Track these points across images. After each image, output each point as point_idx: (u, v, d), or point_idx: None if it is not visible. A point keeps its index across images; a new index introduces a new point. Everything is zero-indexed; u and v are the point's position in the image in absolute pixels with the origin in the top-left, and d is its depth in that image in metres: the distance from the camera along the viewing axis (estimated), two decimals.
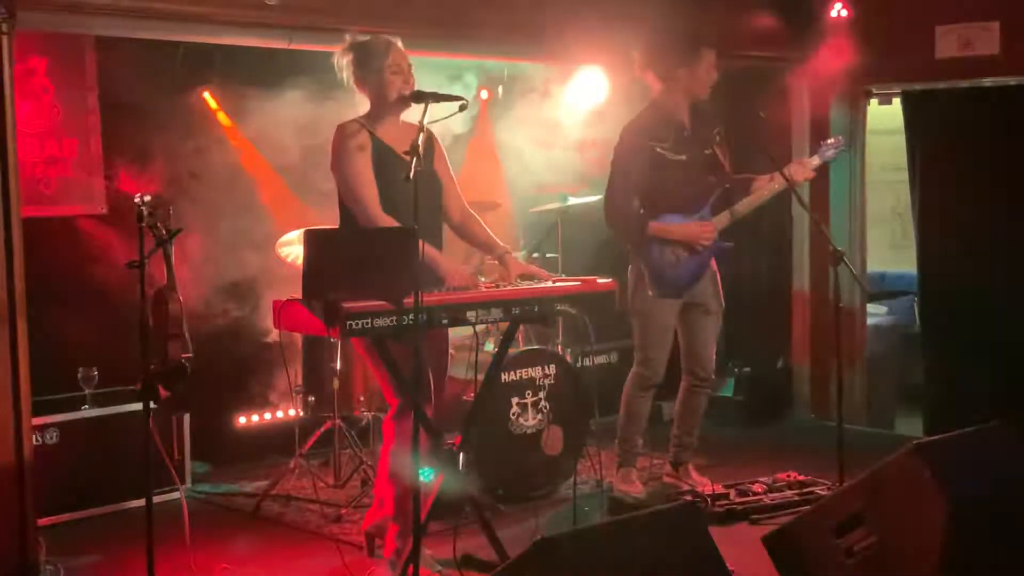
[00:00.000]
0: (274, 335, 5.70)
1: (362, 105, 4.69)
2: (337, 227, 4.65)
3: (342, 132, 4.55)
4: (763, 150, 5.56)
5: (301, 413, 6.01)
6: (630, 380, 5.72)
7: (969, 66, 6.92)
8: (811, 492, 5.53)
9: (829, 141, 5.78)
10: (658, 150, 5.47)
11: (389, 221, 4.40)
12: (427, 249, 4.22)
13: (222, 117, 6.31)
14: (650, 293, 5.53)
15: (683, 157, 5.51)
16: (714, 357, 5.81)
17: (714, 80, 5.53)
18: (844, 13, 7.23)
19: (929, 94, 7.17)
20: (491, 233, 4.82)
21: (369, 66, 4.55)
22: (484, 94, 7.35)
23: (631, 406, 5.70)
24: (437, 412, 4.72)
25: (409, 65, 4.58)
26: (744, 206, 5.61)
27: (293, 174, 6.23)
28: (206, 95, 6.23)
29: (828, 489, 5.50)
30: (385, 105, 4.59)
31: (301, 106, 6.09)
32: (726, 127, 5.73)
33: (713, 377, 5.86)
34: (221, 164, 6.09)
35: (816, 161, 5.74)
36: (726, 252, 5.66)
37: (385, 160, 4.50)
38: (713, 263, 5.70)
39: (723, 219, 5.59)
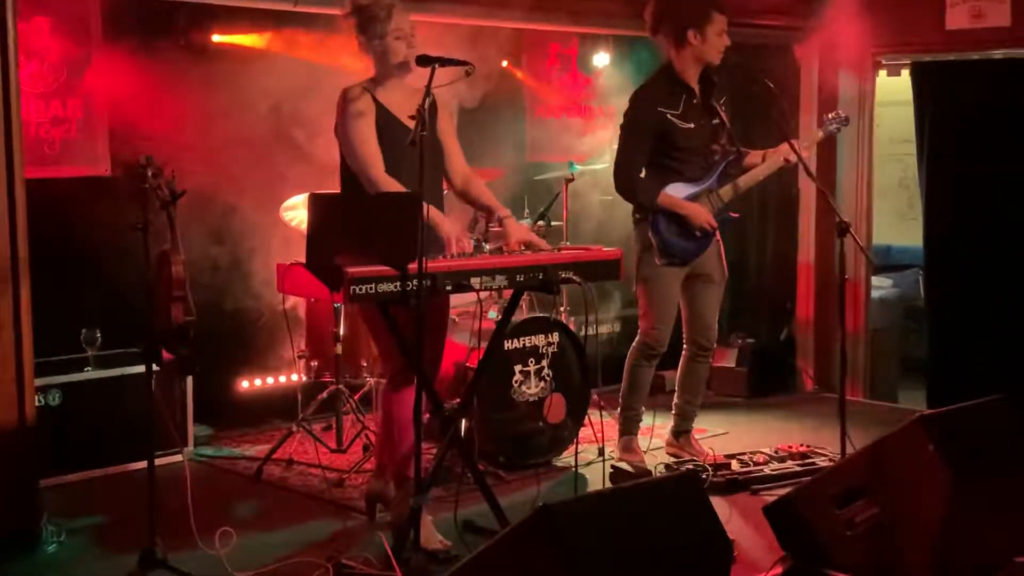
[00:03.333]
0: (278, 299, 5.70)
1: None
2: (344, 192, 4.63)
3: (345, 96, 4.53)
4: (776, 123, 5.50)
5: (304, 378, 6.01)
6: (633, 349, 5.71)
7: (979, 38, 6.87)
8: (813, 463, 5.53)
9: (831, 115, 5.75)
10: (668, 116, 5.44)
11: (392, 183, 4.38)
12: (430, 211, 4.20)
13: (237, 78, 6.24)
14: (657, 262, 5.51)
15: (691, 125, 5.48)
16: (716, 327, 5.82)
17: (725, 45, 5.48)
18: None
19: (939, 65, 7.12)
20: (492, 197, 4.80)
21: (372, 31, 4.51)
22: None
23: (634, 376, 5.70)
24: (436, 379, 4.71)
25: (413, 29, 4.55)
26: (746, 180, 5.59)
27: (298, 134, 6.19)
28: (214, 38, 6.17)
29: (830, 460, 5.50)
30: (388, 70, 4.56)
31: (304, 64, 6.06)
32: (732, 98, 5.70)
33: (715, 347, 5.86)
34: (226, 124, 6.05)
35: (819, 135, 5.72)
36: (732, 222, 5.65)
37: (388, 125, 4.48)
38: (717, 233, 5.69)
39: (727, 192, 5.57)
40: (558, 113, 7.66)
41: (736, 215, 5.64)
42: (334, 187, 4.75)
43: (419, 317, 4.02)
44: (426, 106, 4.08)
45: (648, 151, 5.50)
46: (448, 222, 4.47)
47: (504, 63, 7.14)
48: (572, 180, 6.58)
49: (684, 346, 5.84)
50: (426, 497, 4.33)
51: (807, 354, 7.82)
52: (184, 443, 5.72)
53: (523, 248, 4.55)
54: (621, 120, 5.59)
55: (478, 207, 4.88)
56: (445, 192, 4.84)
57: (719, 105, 5.57)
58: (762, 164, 5.59)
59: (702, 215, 5.47)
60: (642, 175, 5.53)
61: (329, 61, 5.95)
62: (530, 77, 7.46)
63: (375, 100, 4.52)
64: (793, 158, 5.49)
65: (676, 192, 5.48)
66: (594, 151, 7.43)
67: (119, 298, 5.62)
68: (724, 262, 5.74)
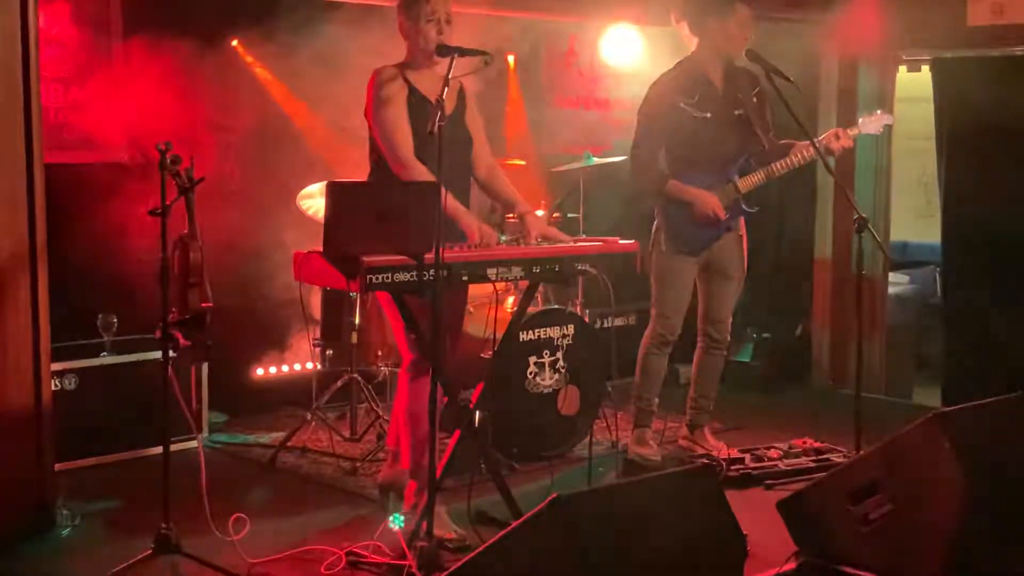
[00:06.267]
0: (294, 287, 5.70)
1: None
2: (361, 180, 4.63)
3: (378, 76, 4.52)
4: (796, 119, 5.48)
5: (319, 366, 6.02)
6: (646, 337, 5.71)
7: (1001, 34, 6.83)
8: (827, 459, 5.52)
9: (878, 112, 5.68)
10: (682, 106, 5.42)
11: (421, 167, 4.38)
12: (450, 202, 4.20)
13: (255, 67, 6.27)
14: (666, 248, 5.51)
15: (708, 115, 5.45)
16: (730, 321, 5.81)
17: (748, 38, 5.44)
18: None
19: (959, 62, 7.08)
20: (515, 191, 4.79)
21: (410, 12, 4.50)
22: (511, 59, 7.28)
23: (646, 364, 5.70)
24: (451, 370, 4.72)
25: (448, 16, 4.50)
26: (781, 167, 5.54)
27: (316, 124, 6.20)
28: (234, 43, 6.19)
29: (844, 457, 5.49)
30: (419, 55, 4.54)
31: (323, 56, 6.07)
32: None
33: (728, 340, 5.86)
34: (244, 113, 6.06)
35: (855, 132, 5.65)
36: (749, 216, 5.63)
37: (419, 109, 4.46)
38: (742, 227, 5.66)
39: (757, 178, 5.54)
40: (575, 104, 7.64)
41: (752, 210, 5.62)
42: (349, 176, 4.75)
43: (435, 307, 4.01)
44: (443, 95, 4.06)
45: (662, 139, 5.49)
46: (468, 214, 4.46)
47: (516, 54, 7.15)
48: (588, 171, 6.57)
49: (698, 338, 5.83)
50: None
51: (822, 350, 7.80)
52: (199, 429, 5.72)
53: (540, 241, 4.54)
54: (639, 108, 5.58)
55: (500, 200, 4.86)
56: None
57: (751, 97, 5.55)
58: (788, 158, 5.54)
59: (708, 203, 5.44)
60: (660, 162, 5.52)
61: (349, 53, 5.95)
62: (549, 68, 7.45)
63: (407, 81, 4.51)
64: (829, 151, 5.45)
65: (691, 181, 5.46)
66: (611, 143, 7.41)
67: (136, 284, 5.63)
68: (745, 258, 5.72)
